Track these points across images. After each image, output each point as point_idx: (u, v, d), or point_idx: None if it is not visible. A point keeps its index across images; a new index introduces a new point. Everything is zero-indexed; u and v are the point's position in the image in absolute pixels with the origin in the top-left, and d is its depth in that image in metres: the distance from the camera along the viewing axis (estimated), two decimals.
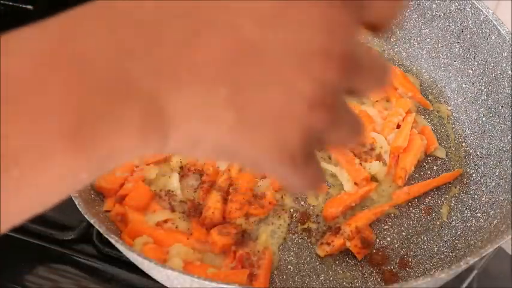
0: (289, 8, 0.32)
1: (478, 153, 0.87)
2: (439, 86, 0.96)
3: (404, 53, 1.00)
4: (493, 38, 0.86)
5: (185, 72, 0.31)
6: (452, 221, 0.82)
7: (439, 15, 0.94)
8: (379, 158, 0.85)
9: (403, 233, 0.81)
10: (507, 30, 0.84)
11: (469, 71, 0.91)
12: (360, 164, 0.84)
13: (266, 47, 0.31)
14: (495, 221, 0.76)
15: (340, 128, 0.36)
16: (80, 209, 0.66)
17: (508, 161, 0.82)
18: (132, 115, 0.30)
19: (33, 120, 0.28)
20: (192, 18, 0.31)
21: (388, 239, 0.80)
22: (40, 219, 0.82)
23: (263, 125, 0.33)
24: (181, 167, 0.83)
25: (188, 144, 0.33)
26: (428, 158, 0.88)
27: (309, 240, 0.79)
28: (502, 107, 0.85)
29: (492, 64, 0.87)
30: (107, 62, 0.30)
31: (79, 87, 0.29)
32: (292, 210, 0.81)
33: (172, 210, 0.79)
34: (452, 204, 0.84)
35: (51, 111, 0.28)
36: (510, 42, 0.83)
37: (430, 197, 0.84)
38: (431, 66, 0.97)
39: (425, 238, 0.80)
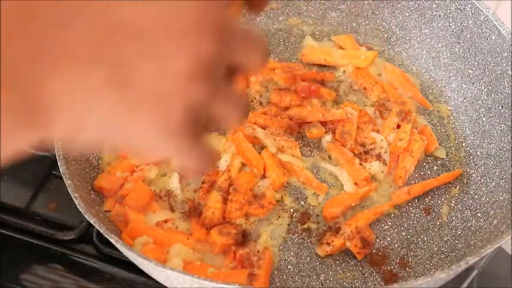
0: None
1: (478, 153, 0.87)
2: (439, 86, 0.96)
3: (404, 53, 1.00)
4: (493, 38, 0.86)
5: (60, 54, 0.31)
6: (452, 221, 0.82)
7: (439, 15, 0.94)
8: (379, 158, 0.85)
9: (403, 233, 0.81)
10: (507, 30, 0.84)
11: (469, 71, 0.91)
12: (360, 164, 0.84)
13: (140, 26, 0.32)
14: (495, 221, 0.76)
15: (222, 103, 0.37)
16: (80, 209, 0.66)
17: (508, 161, 0.82)
18: (8, 106, 0.30)
19: None
20: (66, 1, 0.31)
21: (388, 239, 0.80)
22: (40, 219, 0.83)
23: (144, 102, 0.33)
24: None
25: (72, 130, 0.34)
26: (428, 158, 0.88)
27: (309, 240, 0.79)
28: (502, 107, 0.85)
29: (492, 64, 0.87)
30: None
31: None
32: (292, 210, 0.81)
33: (172, 210, 0.79)
34: (452, 204, 0.84)
35: None
36: (510, 42, 0.83)
37: (430, 197, 0.84)
38: (431, 66, 0.97)
39: (425, 238, 0.80)
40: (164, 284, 0.67)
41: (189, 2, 0.33)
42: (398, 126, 0.88)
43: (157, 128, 0.35)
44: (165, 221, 0.77)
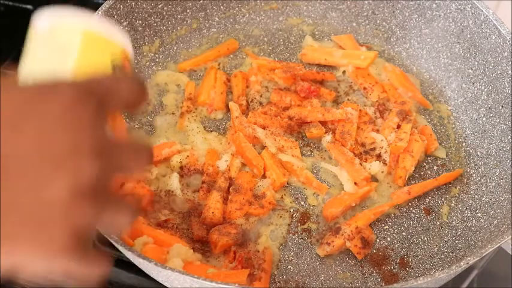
0: (31, 112, 0.33)
1: (478, 153, 0.87)
2: (439, 86, 0.96)
3: (404, 53, 1.00)
4: (493, 38, 0.86)
5: None
6: (452, 221, 0.82)
7: (439, 15, 0.94)
8: (379, 158, 0.85)
9: (403, 233, 0.81)
10: (507, 30, 0.84)
11: (469, 71, 0.91)
12: (360, 164, 0.84)
13: (16, 155, 0.33)
14: (495, 221, 0.76)
15: (111, 211, 0.38)
16: None
17: (508, 161, 0.82)
18: None
19: None
20: None
21: (388, 239, 0.80)
22: None
23: (28, 231, 0.34)
24: (181, 167, 0.83)
25: None
26: (428, 158, 0.88)
27: (309, 240, 0.79)
28: (502, 107, 0.85)
29: (492, 64, 0.87)
30: None
31: None
32: (292, 210, 0.81)
33: (172, 210, 0.79)
34: (452, 204, 0.84)
35: None
36: (510, 42, 0.83)
37: (430, 197, 0.84)
38: (431, 66, 0.97)
39: (425, 238, 0.80)
40: (164, 284, 0.67)
41: (64, 126, 0.34)
42: (399, 126, 0.88)
43: (43, 251, 0.35)
44: (165, 221, 0.77)
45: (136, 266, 0.68)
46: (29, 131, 0.33)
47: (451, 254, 0.78)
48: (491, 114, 0.87)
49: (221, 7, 1.00)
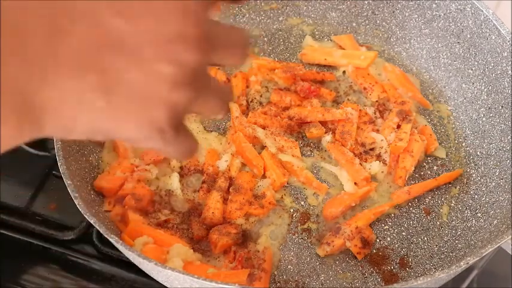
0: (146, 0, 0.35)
1: (478, 153, 0.87)
2: (439, 86, 0.96)
3: (404, 53, 1.00)
4: (493, 38, 0.86)
5: (52, 63, 0.34)
6: (452, 221, 0.82)
7: (439, 15, 0.94)
8: (379, 158, 0.85)
9: (403, 233, 0.81)
10: (507, 30, 0.84)
11: (469, 71, 0.91)
12: (360, 164, 0.84)
13: (128, 36, 0.35)
14: (495, 221, 0.76)
15: (206, 100, 0.41)
16: (80, 209, 0.66)
17: (508, 161, 0.82)
18: (5, 112, 0.33)
19: None
20: (56, 12, 0.34)
21: (388, 239, 0.80)
22: (40, 219, 0.83)
23: (130, 105, 0.37)
24: (181, 167, 0.83)
25: (64, 129, 0.37)
26: (428, 158, 0.88)
27: (309, 240, 0.79)
28: (502, 107, 0.85)
29: (492, 64, 0.87)
30: None
31: None
32: (292, 210, 0.81)
33: (172, 210, 0.79)
34: (452, 204, 0.84)
35: None
36: (510, 42, 0.83)
37: (430, 197, 0.84)
38: (431, 66, 0.97)
39: (425, 238, 0.80)
40: (164, 284, 0.67)
41: (173, 14, 0.36)
42: (399, 126, 0.88)
43: (141, 128, 0.38)
44: (165, 221, 0.77)
45: (137, 266, 0.68)
46: (143, 16, 0.35)
47: (451, 254, 0.78)
48: (491, 114, 0.87)
49: (221, 7, 1.00)
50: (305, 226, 0.80)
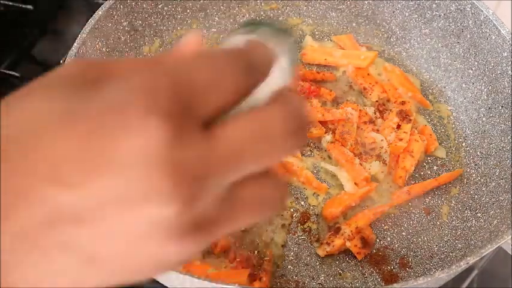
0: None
1: (478, 153, 0.87)
2: (439, 86, 0.96)
3: (404, 53, 1.00)
4: (493, 38, 0.86)
5: (12, 241, 0.27)
6: (452, 221, 0.82)
7: (439, 15, 0.94)
8: (379, 158, 0.85)
9: (403, 233, 0.81)
10: (507, 30, 0.84)
11: (469, 71, 0.91)
12: (360, 164, 0.84)
13: (81, 208, 0.26)
14: (495, 221, 0.76)
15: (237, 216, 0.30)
16: None
17: (508, 161, 0.82)
18: None
19: None
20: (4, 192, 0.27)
21: (388, 239, 0.80)
22: None
23: (123, 272, 0.29)
24: None
25: None
26: (428, 158, 0.88)
27: (309, 240, 0.79)
28: (502, 107, 0.85)
29: (492, 64, 0.87)
30: None
31: None
32: (292, 210, 0.81)
33: None
34: (452, 204, 0.84)
35: None
36: (510, 42, 0.83)
37: (430, 197, 0.84)
38: (431, 66, 0.97)
39: (425, 238, 0.80)
40: (164, 284, 0.67)
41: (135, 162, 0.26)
42: (399, 126, 0.88)
43: (149, 272, 0.30)
44: None
45: None
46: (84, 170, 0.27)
47: (451, 254, 0.78)
48: (491, 114, 0.87)
49: (221, 7, 1.00)
50: (305, 226, 0.80)
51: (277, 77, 0.33)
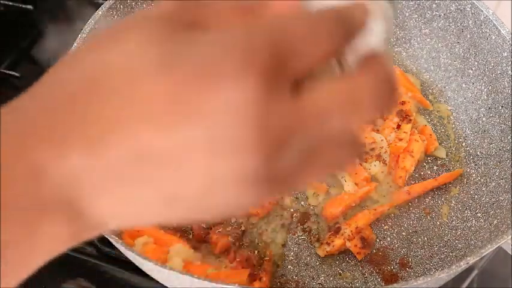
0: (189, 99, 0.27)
1: (478, 153, 0.87)
2: (439, 86, 0.96)
3: (404, 53, 1.00)
4: (493, 38, 0.86)
5: (100, 173, 0.28)
6: (452, 221, 0.82)
7: (439, 15, 0.94)
8: (379, 158, 0.85)
9: (403, 233, 0.81)
10: (507, 30, 0.84)
11: (469, 71, 0.91)
12: (360, 164, 0.84)
13: (166, 150, 0.28)
14: (495, 221, 0.76)
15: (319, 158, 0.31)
16: None
17: (508, 161, 0.82)
18: (54, 229, 0.29)
19: None
20: (96, 125, 0.28)
21: (388, 239, 0.80)
22: None
23: (200, 209, 0.30)
24: None
25: (128, 227, 0.31)
26: (428, 158, 0.88)
27: (309, 240, 0.79)
28: (502, 107, 0.85)
29: (492, 64, 0.87)
30: (17, 182, 0.28)
31: None
32: (292, 210, 0.81)
33: None
34: (452, 204, 0.84)
35: None
36: (510, 42, 0.83)
37: (430, 197, 0.84)
38: (431, 66, 0.97)
39: (425, 238, 0.80)
40: (164, 284, 0.67)
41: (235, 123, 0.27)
42: (399, 126, 0.88)
43: (228, 211, 0.31)
44: None
45: (136, 266, 0.68)
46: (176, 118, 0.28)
47: (451, 254, 0.78)
48: (491, 114, 0.87)
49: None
50: (305, 226, 0.80)
51: (370, 40, 0.32)
